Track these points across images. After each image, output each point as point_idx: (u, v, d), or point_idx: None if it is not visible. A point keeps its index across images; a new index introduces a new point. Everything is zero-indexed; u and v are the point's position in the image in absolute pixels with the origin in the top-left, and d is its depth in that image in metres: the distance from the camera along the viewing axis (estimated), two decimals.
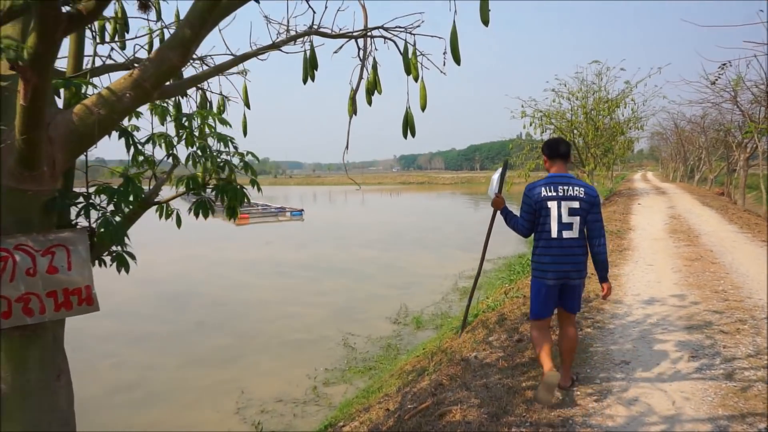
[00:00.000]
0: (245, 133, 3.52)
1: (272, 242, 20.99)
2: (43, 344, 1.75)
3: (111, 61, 2.60)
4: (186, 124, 2.62)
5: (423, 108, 2.97)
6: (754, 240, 8.91)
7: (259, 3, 2.30)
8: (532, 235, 3.33)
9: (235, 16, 2.61)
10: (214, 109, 3.41)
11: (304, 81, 3.08)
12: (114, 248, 2.01)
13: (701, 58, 21.34)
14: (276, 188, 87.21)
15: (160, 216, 2.57)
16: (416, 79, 2.86)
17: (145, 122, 2.55)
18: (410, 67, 2.85)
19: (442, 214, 34.31)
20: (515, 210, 3.45)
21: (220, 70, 2.40)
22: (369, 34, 2.87)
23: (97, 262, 1.99)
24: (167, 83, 1.98)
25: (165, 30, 3.03)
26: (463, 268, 12.79)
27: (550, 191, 3.17)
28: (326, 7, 2.78)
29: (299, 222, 29.34)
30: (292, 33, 2.80)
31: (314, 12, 2.76)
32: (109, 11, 2.75)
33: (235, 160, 2.57)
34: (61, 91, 2.04)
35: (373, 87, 3.02)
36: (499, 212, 3.57)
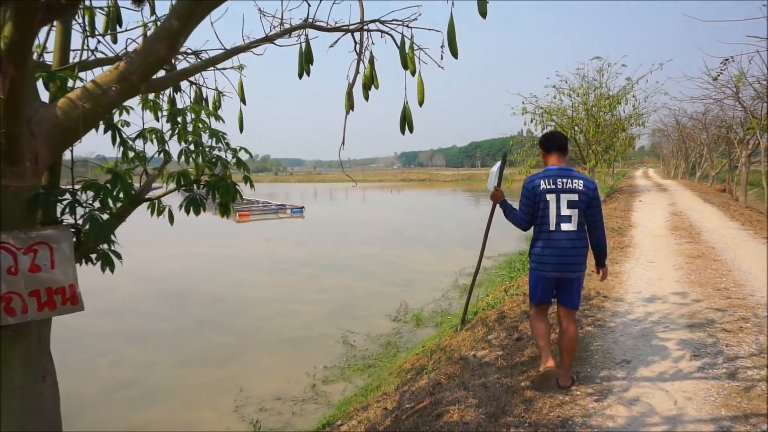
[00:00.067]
0: (241, 129, 3.48)
1: (272, 239, 20.96)
2: (27, 345, 1.70)
3: (101, 55, 2.54)
4: (179, 120, 2.57)
5: (420, 103, 2.93)
6: (756, 237, 8.85)
7: None
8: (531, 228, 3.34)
9: (227, 8, 2.55)
10: (210, 105, 3.36)
11: (300, 76, 3.03)
12: (100, 246, 1.96)
13: (703, 54, 21.19)
14: (277, 185, 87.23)
15: (152, 213, 2.52)
16: (413, 74, 2.81)
17: (138, 118, 2.48)
18: (407, 61, 2.81)
19: (443, 210, 34.26)
20: (514, 204, 3.44)
21: (211, 63, 2.35)
22: (365, 27, 2.82)
23: (83, 260, 1.94)
24: (155, 76, 1.92)
25: (158, 23, 2.97)
26: (464, 265, 12.74)
27: (549, 184, 3.17)
28: (321, 0, 2.73)
29: (300, 219, 29.30)
30: (287, 26, 2.75)
31: (309, 5, 2.71)
32: (102, 3, 2.70)
33: (228, 156, 2.52)
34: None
35: (370, 82, 2.98)
36: (498, 206, 3.57)
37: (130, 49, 2.68)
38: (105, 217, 1.92)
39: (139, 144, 2.44)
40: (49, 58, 2.26)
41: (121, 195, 2.09)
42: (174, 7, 1.77)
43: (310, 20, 2.75)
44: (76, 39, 2.85)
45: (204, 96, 3.37)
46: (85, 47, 2.35)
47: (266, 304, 10.79)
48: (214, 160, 2.40)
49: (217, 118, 2.84)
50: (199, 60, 3.09)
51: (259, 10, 2.75)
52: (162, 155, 2.55)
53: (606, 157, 18.57)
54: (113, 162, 2.25)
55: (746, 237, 8.94)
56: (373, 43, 2.92)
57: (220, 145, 2.50)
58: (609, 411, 3.01)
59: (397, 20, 2.79)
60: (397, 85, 2.78)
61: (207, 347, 8.22)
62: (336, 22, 2.82)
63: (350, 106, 2.93)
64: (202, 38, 3.18)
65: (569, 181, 3.16)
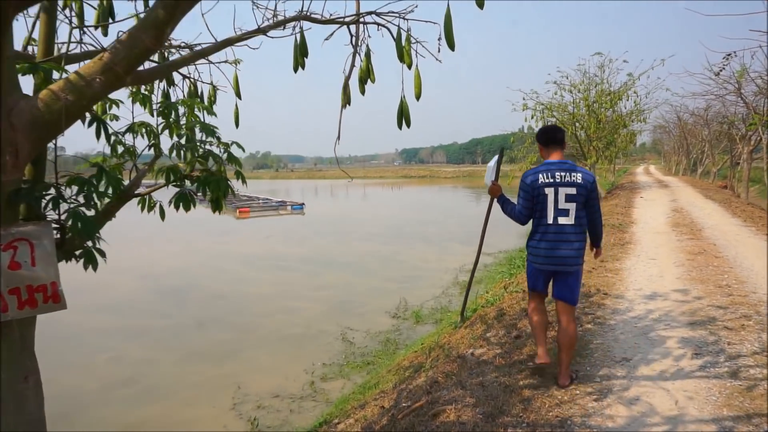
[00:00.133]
0: (237, 125, 3.43)
1: (273, 236, 20.93)
2: (9, 344, 1.65)
3: (90, 47, 2.48)
4: (172, 114, 2.51)
5: (418, 97, 2.89)
6: (757, 233, 8.79)
7: None
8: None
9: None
10: (205, 100, 3.31)
11: (295, 69, 2.98)
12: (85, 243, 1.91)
13: (705, 49, 21.07)
14: (277, 182, 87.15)
15: (142, 209, 2.47)
16: (410, 67, 2.76)
17: (128, 112, 2.43)
18: (404, 54, 2.75)
19: (444, 207, 34.19)
20: (513, 199, 3.43)
21: (201, 55, 2.29)
22: (361, 19, 2.77)
23: (68, 257, 1.89)
24: (141, 68, 1.86)
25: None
26: (464, 261, 12.68)
27: (548, 178, 3.16)
28: None
29: (300, 216, 29.26)
30: (281, 19, 2.69)
31: None
32: None
33: (220, 151, 2.46)
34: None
35: (367, 76, 2.93)
36: (495, 200, 3.55)
37: None
38: (90, 213, 1.87)
39: (128, 138, 2.39)
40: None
41: (109, 190, 2.04)
42: None
43: (305, 12, 2.69)
44: (69, 32, 2.79)
45: (200, 91, 3.33)
46: (73, 39, 2.29)
47: (266, 301, 10.76)
48: (205, 154, 2.34)
49: (210, 112, 2.79)
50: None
51: (252, 1, 2.69)
52: (153, 150, 2.49)
53: (607, 153, 18.47)
54: (100, 157, 2.19)
55: (748, 234, 8.87)
56: (369, 36, 2.88)
57: (211, 139, 2.45)
58: (608, 411, 2.96)
59: (393, 12, 2.74)
60: (397, 81, 2.73)
61: (206, 344, 8.19)
62: (331, 15, 2.76)
63: (347, 100, 2.88)
64: (196, 31, 3.11)
65: (567, 174, 3.15)
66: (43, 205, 1.75)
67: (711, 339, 3.95)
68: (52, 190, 1.80)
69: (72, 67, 2.20)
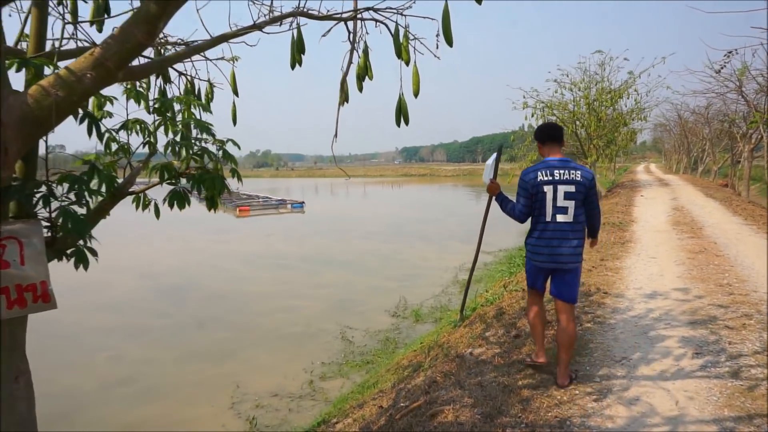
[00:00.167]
0: (234, 122, 3.41)
1: (273, 234, 20.90)
2: None
3: (84, 43, 2.45)
4: (167, 111, 2.49)
5: (416, 93, 2.86)
6: (758, 232, 8.75)
7: None
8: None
9: None
10: (202, 98, 3.28)
11: (292, 66, 2.97)
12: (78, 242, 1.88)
13: (706, 46, 20.98)
14: (278, 180, 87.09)
15: (137, 207, 2.44)
16: (407, 63, 2.73)
17: (122, 108, 2.40)
18: (401, 50, 2.73)
19: (444, 205, 34.16)
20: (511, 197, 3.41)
21: (196, 50, 2.25)
22: (358, 15, 2.74)
23: (59, 257, 1.86)
24: (133, 63, 1.83)
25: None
26: (464, 260, 12.65)
27: (546, 175, 3.15)
28: None
29: (300, 214, 29.23)
30: (277, 14, 2.66)
31: None
32: None
33: (215, 149, 2.43)
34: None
35: (364, 72, 2.90)
36: (494, 198, 3.52)
37: None
38: (81, 210, 1.84)
39: (122, 135, 2.36)
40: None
41: (103, 188, 2.02)
42: None
43: (302, 8, 2.67)
44: (62, 27, 2.76)
45: (197, 88, 3.31)
46: (66, 35, 2.26)
47: (265, 300, 10.73)
48: (198, 152, 2.32)
49: (206, 109, 2.76)
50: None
51: None
52: (147, 147, 2.47)
53: (607, 151, 18.43)
54: (93, 154, 2.17)
55: (749, 232, 8.84)
56: (367, 33, 2.85)
57: (207, 137, 2.42)
58: (608, 411, 2.93)
59: (391, 8, 2.71)
60: (396, 78, 2.71)
61: (205, 343, 8.16)
62: (328, 11, 2.73)
63: (344, 97, 2.85)
64: (191, 28, 3.08)
65: (566, 172, 3.14)
66: (33, 202, 1.72)
67: (712, 338, 3.92)
68: (43, 188, 1.78)
69: (65, 64, 2.17)
